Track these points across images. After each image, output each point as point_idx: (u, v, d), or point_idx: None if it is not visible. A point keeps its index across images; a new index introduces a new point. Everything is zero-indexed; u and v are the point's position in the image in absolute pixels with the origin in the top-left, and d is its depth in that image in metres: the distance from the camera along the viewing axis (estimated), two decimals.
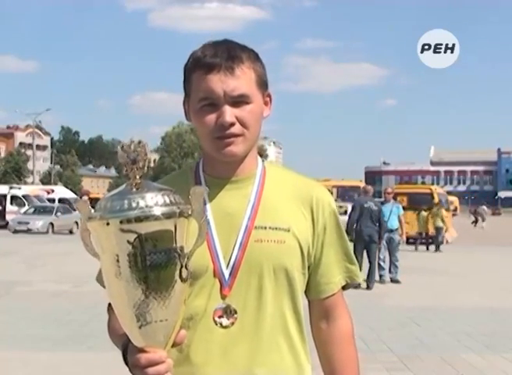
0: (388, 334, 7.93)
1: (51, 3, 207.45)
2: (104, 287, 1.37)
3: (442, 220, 22.23)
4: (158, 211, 1.24)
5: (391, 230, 13.20)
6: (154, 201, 1.25)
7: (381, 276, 12.90)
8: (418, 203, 25.51)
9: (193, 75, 1.55)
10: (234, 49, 1.55)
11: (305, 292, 1.65)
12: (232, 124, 1.51)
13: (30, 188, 44.42)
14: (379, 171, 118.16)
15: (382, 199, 14.41)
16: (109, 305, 1.60)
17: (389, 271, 13.12)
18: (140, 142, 1.29)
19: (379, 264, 12.98)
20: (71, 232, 31.12)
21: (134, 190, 1.27)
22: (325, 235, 1.63)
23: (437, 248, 21.77)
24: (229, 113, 1.51)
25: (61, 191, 43.00)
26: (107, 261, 1.28)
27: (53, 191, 42.40)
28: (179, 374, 1.47)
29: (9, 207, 35.47)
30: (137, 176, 1.28)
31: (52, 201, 37.38)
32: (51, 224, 30.35)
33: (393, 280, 13.03)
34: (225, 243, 1.54)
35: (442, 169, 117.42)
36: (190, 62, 1.57)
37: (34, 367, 6.38)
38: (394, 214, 13.28)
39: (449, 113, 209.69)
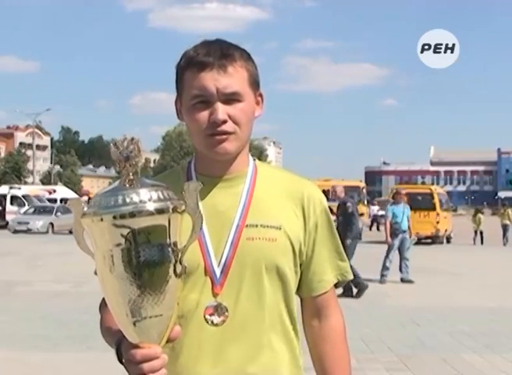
0: (388, 334, 7.93)
1: (52, 3, 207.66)
2: None
3: (509, 219, 26.51)
4: (151, 206, 1.25)
5: (404, 231, 13.27)
6: (147, 196, 1.26)
7: (383, 275, 12.89)
8: (418, 203, 25.51)
9: (186, 73, 1.56)
10: (227, 48, 1.56)
11: (297, 290, 1.65)
12: (225, 121, 1.52)
13: (32, 188, 44.47)
14: (379, 171, 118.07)
15: (392, 200, 14.42)
16: (101, 304, 1.61)
17: (400, 271, 13.09)
18: (133, 139, 1.29)
19: (386, 264, 13.00)
20: (71, 232, 30.69)
21: (127, 186, 1.28)
22: (317, 233, 1.64)
23: (505, 243, 26.02)
24: (222, 110, 1.51)
25: (62, 191, 43.02)
26: (101, 257, 1.29)
27: (55, 191, 42.45)
28: (171, 372, 1.47)
29: (9, 207, 35.42)
30: (130, 173, 1.29)
31: (54, 201, 37.36)
32: (51, 224, 30.30)
33: (405, 280, 12.97)
34: (217, 241, 1.54)
35: (442, 169, 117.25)
36: (182, 60, 1.58)
37: (34, 367, 6.38)
38: (405, 215, 13.41)
39: (449, 113, 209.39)
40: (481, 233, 26.97)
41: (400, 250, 13.23)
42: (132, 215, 1.24)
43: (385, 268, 12.95)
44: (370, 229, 36.01)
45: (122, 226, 1.24)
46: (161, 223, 1.27)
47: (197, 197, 1.31)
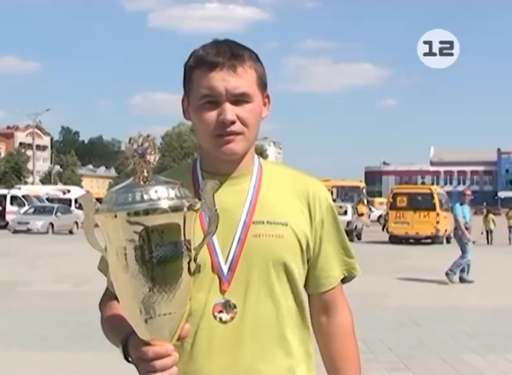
0: (388, 334, 7.94)
1: (52, 4, 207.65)
2: (106, 275, 1.40)
3: None
4: (165, 204, 1.25)
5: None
6: (161, 194, 1.26)
7: (451, 275, 12.94)
8: (418, 203, 25.53)
9: (195, 73, 1.56)
10: (236, 48, 1.56)
11: (304, 286, 1.66)
12: (233, 122, 1.52)
13: (47, 188, 44.67)
14: (379, 171, 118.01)
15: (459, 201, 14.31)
16: (101, 302, 1.61)
17: (453, 271, 13.17)
18: (148, 136, 1.29)
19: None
20: (71, 232, 31.13)
21: (141, 183, 1.28)
22: (323, 229, 1.65)
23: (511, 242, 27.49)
24: (231, 111, 1.52)
25: (77, 192, 43.03)
26: (114, 253, 1.28)
27: (69, 191, 42.50)
28: (181, 370, 1.47)
29: (9, 207, 35.42)
30: (145, 170, 1.28)
31: (68, 201, 37.27)
32: (51, 224, 30.32)
33: (466, 280, 13.11)
34: (224, 238, 1.54)
35: (442, 169, 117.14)
36: (191, 60, 1.58)
37: (34, 367, 6.38)
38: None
39: (449, 113, 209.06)
40: (491, 232, 27.50)
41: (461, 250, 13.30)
42: (146, 212, 1.23)
43: (457, 268, 12.98)
44: (383, 230, 35.97)
45: (136, 223, 1.24)
46: (174, 221, 1.27)
47: (213, 195, 1.32)
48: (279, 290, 1.56)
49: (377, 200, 54.47)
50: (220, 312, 1.52)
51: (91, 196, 1.30)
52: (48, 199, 38.05)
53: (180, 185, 1.31)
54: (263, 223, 1.56)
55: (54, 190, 43.70)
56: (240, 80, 1.53)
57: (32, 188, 45.37)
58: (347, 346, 1.68)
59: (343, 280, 1.71)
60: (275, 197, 1.61)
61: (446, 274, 12.89)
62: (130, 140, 1.28)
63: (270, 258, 1.55)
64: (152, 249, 1.25)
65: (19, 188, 40.08)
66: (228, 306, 1.52)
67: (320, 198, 1.65)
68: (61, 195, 40.22)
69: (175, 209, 1.25)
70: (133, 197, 1.25)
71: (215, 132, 1.53)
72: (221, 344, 1.51)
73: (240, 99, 1.53)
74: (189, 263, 1.30)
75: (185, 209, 1.26)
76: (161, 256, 1.26)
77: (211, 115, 1.53)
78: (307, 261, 1.63)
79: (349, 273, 1.70)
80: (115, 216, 1.24)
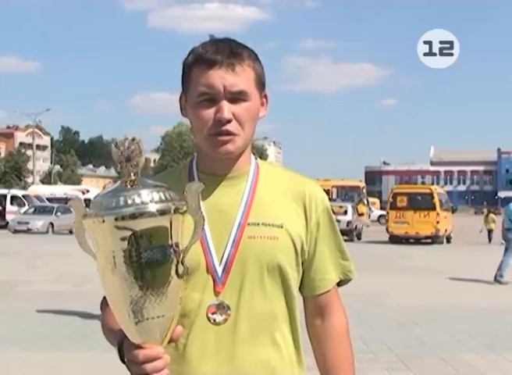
0: (388, 334, 7.93)
1: (52, 3, 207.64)
2: None
3: None
4: (152, 207, 1.25)
5: None
6: (148, 197, 1.26)
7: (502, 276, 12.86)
8: (418, 203, 25.53)
9: (194, 70, 1.55)
10: (236, 47, 1.56)
11: (299, 289, 1.65)
12: (229, 121, 1.52)
13: (67, 188, 44.73)
14: (379, 171, 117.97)
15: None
16: (102, 302, 1.61)
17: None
18: (134, 139, 1.28)
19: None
20: (71, 232, 31.06)
21: (129, 187, 1.28)
22: (319, 232, 1.63)
23: None
24: (228, 109, 1.51)
25: (95, 192, 43.04)
26: (102, 258, 1.28)
27: (88, 191, 42.54)
28: (174, 372, 1.47)
29: (9, 207, 35.43)
30: (131, 174, 1.28)
31: (88, 201, 37.27)
32: (51, 224, 30.32)
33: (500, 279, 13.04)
34: (218, 239, 1.53)
35: (442, 169, 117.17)
36: (190, 57, 1.58)
37: (34, 367, 6.37)
38: None
39: (449, 113, 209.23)
40: (491, 231, 27.26)
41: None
42: (133, 216, 1.23)
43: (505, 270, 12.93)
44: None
45: (123, 228, 1.24)
46: (162, 224, 1.26)
47: (198, 198, 1.31)
48: (273, 292, 1.56)
49: (370, 200, 53.72)
50: (214, 313, 1.51)
51: (81, 200, 1.31)
52: (66, 199, 38.04)
53: (166, 188, 1.30)
54: (258, 224, 1.56)
55: (72, 190, 43.78)
56: (238, 78, 1.52)
57: (49, 188, 45.52)
58: (341, 348, 1.67)
59: (339, 284, 1.69)
60: (270, 198, 1.60)
61: (497, 280, 12.76)
62: (116, 144, 1.28)
63: (264, 260, 1.54)
64: (140, 253, 1.25)
65: (23, 188, 40.08)
66: (222, 308, 1.52)
67: (316, 200, 1.64)
68: (80, 195, 40.30)
69: (162, 213, 1.25)
70: (120, 201, 1.25)
71: (211, 131, 1.52)
72: (214, 345, 1.51)
73: (237, 97, 1.52)
74: (177, 266, 1.30)
75: (171, 212, 1.26)
76: (149, 260, 1.26)
77: (208, 112, 1.52)
78: (302, 263, 1.62)
79: (344, 276, 1.69)
80: (103, 221, 1.24)
